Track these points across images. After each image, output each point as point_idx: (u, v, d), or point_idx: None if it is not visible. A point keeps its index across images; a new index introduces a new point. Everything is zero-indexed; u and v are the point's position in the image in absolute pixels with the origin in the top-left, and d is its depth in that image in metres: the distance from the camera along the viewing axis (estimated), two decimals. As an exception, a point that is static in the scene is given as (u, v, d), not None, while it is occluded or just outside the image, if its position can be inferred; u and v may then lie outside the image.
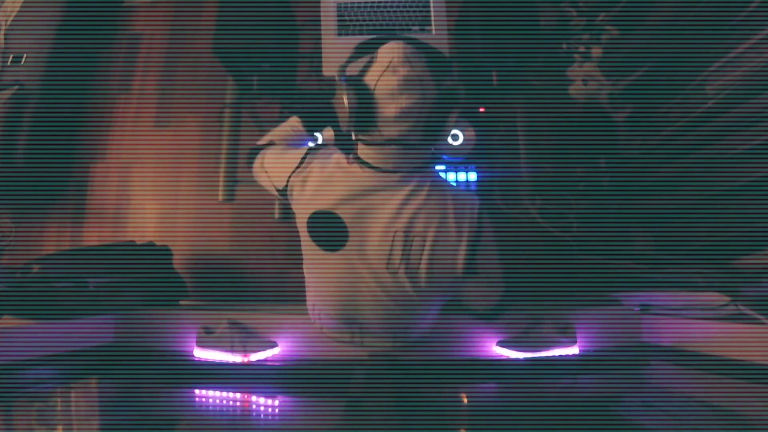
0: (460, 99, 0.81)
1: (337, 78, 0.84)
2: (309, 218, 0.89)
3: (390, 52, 0.79)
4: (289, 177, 0.92)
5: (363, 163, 0.87)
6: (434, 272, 0.87)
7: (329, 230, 0.88)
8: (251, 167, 1.05)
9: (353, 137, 0.87)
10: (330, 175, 0.88)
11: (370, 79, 0.79)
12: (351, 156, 0.90)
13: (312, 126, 1.08)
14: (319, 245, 0.90)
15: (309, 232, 0.90)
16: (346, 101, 0.78)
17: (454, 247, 0.86)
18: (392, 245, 0.85)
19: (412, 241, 0.84)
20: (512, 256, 1.81)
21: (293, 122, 1.08)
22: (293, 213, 0.95)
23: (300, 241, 0.97)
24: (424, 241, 0.84)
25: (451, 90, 0.81)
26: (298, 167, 0.92)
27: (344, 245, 0.87)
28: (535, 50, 1.34)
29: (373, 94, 0.78)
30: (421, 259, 0.85)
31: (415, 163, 0.87)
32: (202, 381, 1.22)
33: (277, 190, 0.96)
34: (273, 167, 0.97)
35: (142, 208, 2.01)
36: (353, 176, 0.87)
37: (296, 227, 0.95)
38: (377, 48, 0.82)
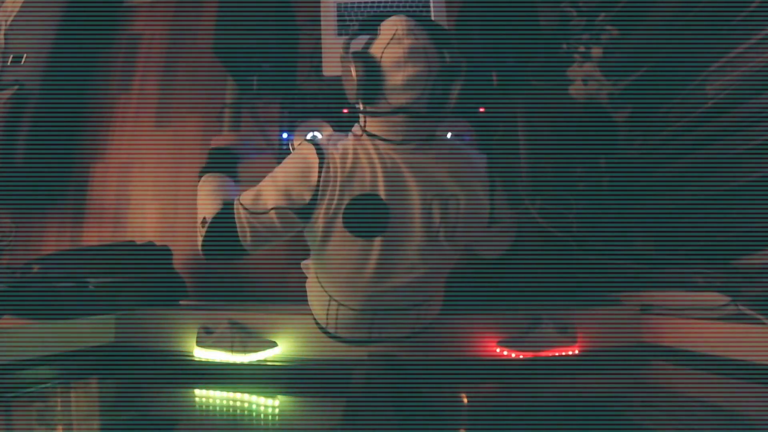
0: (462, 69, 0.83)
1: (342, 53, 0.86)
2: (346, 209, 0.85)
3: (393, 24, 0.82)
4: (318, 180, 0.84)
5: (372, 135, 0.88)
6: (471, 228, 0.92)
7: (370, 215, 0.86)
8: (234, 234, 0.88)
9: (361, 107, 0.87)
10: (355, 157, 0.86)
11: (375, 50, 0.81)
12: (360, 127, 0.90)
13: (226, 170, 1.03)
14: (358, 234, 0.87)
15: (348, 224, 0.86)
16: (354, 73, 0.80)
17: (482, 201, 0.91)
18: (431, 211, 0.87)
19: (447, 203, 0.87)
20: (512, 256, 1.81)
21: (213, 181, 0.98)
22: (311, 219, 0.87)
23: (317, 243, 0.91)
24: (458, 201, 0.87)
25: (453, 61, 0.83)
26: (321, 165, 0.85)
27: (387, 227, 0.87)
28: (535, 50, 1.34)
29: (379, 64, 0.80)
30: (458, 219, 0.88)
31: (424, 133, 0.88)
32: (202, 381, 1.22)
33: (298, 212, 0.86)
34: (287, 187, 0.86)
35: (142, 208, 2.01)
36: (374, 152, 0.86)
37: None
38: (379, 24, 0.85)
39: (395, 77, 0.79)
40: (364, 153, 0.86)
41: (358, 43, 0.86)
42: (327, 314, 1.05)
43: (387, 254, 0.89)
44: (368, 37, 0.85)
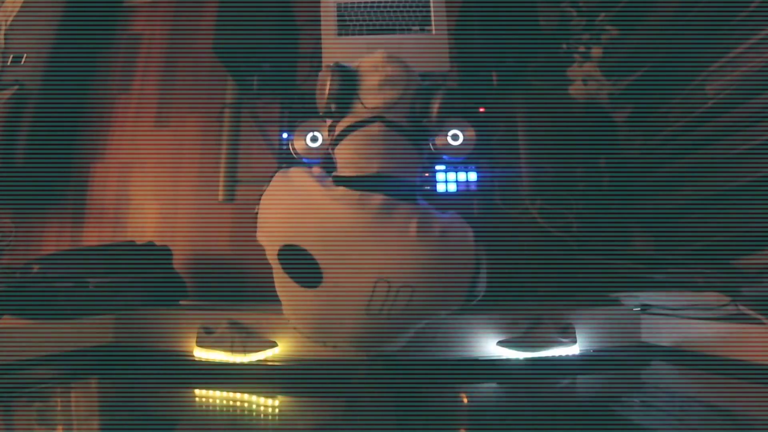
0: (442, 88, 0.78)
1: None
2: (280, 251, 0.80)
3: (369, 60, 0.80)
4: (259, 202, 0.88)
5: (340, 180, 0.79)
6: (425, 313, 0.83)
7: (302, 267, 0.79)
8: None
9: (327, 124, 0.83)
10: (296, 203, 0.79)
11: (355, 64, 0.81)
12: (321, 171, 0.83)
13: None
14: (293, 279, 0.82)
15: (282, 265, 0.81)
16: (328, 83, 0.77)
17: (449, 292, 0.81)
18: (372, 293, 0.76)
19: (398, 291, 0.75)
20: (512, 256, 1.81)
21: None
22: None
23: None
24: (412, 290, 0.75)
25: (435, 82, 0.82)
26: (264, 193, 0.87)
27: (318, 285, 0.79)
28: (535, 50, 1.34)
29: (356, 70, 0.78)
30: (408, 305, 0.77)
31: (402, 166, 0.79)
32: (202, 381, 1.22)
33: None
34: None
35: (142, 208, 2.01)
36: (325, 202, 0.77)
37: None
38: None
39: (371, 79, 0.76)
40: (310, 201, 0.77)
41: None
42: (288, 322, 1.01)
43: (322, 309, 0.83)
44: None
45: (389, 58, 0.78)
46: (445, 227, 0.78)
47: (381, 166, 0.77)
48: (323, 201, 0.77)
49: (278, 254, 0.80)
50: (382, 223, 0.75)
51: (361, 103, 0.76)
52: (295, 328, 0.99)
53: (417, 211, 0.78)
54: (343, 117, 0.79)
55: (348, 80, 0.77)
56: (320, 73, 0.80)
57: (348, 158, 0.79)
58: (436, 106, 0.77)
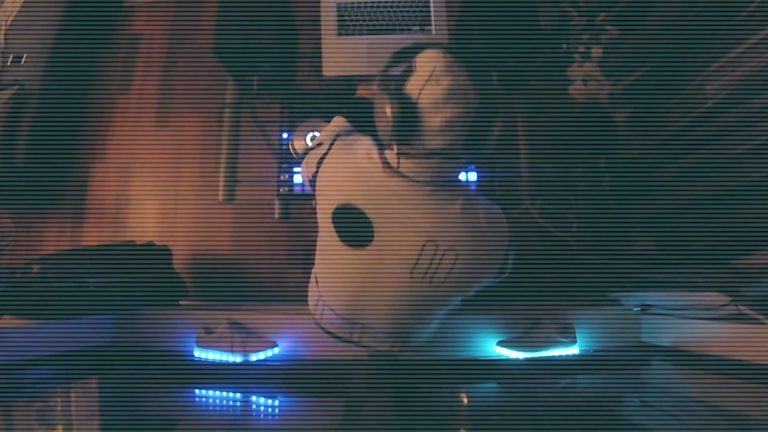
0: (502, 107, 0.80)
1: (375, 88, 0.81)
2: (334, 210, 0.87)
3: (431, 61, 0.76)
4: (318, 164, 0.92)
5: (400, 174, 0.83)
6: (462, 284, 0.89)
7: (355, 226, 0.86)
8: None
9: (395, 150, 0.82)
10: (358, 169, 0.86)
11: (412, 89, 0.75)
12: (384, 162, 0.86)
13: (358, 124, 1.06)
14: (342, 239, 0.89)
15: (333, 224, 0.89)
16: (389, 112, 0.75)
17: (491, 258, 0.88)
18: (420, 254, 0.84)
19: (444, 253, 0.83)
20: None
21: (338, 122, 1.07)
22: (312, 207, 0.95)
23: (318, 231, 0.96)
24: (456, 254, 0.83)
25: (492, 99, 0.79)
26: (325, 155, 0.92)
27: (368, 244, 0.86)
28: (535, 50, 1.34)
29: (416, 105, 0.75)
30: (451, 271, 0.84)
31: (453, 174, 0.85)
32: (202, 381, 1.22)
33: (310, 182, 0.96)
34: (307, 158, 0.98)
35: (142, 208, 2.01)
36: (384, 177, 0.84)
37: (296, 227, 0.95)
38: (413, 56, 0.79)
39: (433, 120, 0.74)
40: (371, 167, 0.85)
41: (391, 77, 0.80)
42: (317, 303, 1.07)
43: (365, 273, 0.89)
44: (402, 69, 0.79)
45: (450, 94, 0.73)
46: (485, 205, 0.88)
47: (434, 179, 0.83)
48: (381, 173, 0.84)
49: (332, 214, 0.87)
50: (433, 197, 0.83)
51: (422, 144, 0.77)
52: (326, 304, 1.02)
53: (462, 190, 0.88)
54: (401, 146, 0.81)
55: (410, 116, 0.75)
56: (379, 100, 0.79)
57: (405, 169, 0.83)
58: (494, 136, 0.80)
